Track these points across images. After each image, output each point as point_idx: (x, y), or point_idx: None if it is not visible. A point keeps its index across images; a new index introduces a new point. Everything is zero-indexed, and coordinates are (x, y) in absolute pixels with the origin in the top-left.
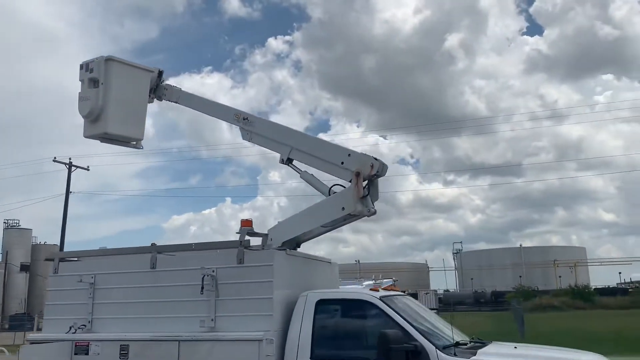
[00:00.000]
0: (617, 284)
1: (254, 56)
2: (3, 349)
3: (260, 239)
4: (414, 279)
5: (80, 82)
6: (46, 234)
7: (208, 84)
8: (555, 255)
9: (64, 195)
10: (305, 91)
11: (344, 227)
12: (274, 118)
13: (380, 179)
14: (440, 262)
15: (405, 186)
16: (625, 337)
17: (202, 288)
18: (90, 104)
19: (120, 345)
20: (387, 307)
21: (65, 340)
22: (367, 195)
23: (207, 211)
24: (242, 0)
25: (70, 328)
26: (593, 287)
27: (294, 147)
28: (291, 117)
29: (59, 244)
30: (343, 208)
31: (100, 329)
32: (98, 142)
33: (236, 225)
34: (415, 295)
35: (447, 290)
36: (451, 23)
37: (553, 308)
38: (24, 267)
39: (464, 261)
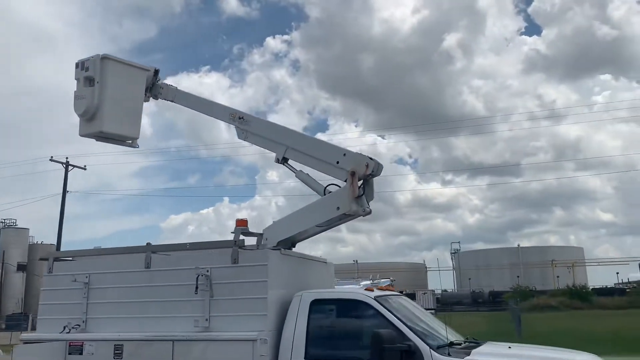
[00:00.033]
0: (614, 284)
1: (252, 56)
2: None
3: (256, 238)
4: (411, 279)
5: (75, 81)
6: (43, 234)
7: (206, 83)
8: (553, 255)
9: (61, 194)
10: (303, 91)
11: (342, 227)
12: (272, 117)
13: (377, 179)
14: (438, 261)
15: (403, 186)
16: (622, 337)
17: (197, 288)
18: (85, 102)
19: (115, 345)
20: (382, 307)
21: (59, 340)
22: (362, 195)
23: (205, 211)
24: (240, 0)
25: (64, 328)
26: (591, 287)
27: (290, 147)
28: (289, 117)
29: (56, 244)
30: (338, 208)
31: (94, 329)
32: (96, 141)
33: (233, 225)
34: (413, 295)
35: (445, 290)
36: (449, 23)
37: (551, 308)
38: (20, 267)
39: (461, 261)
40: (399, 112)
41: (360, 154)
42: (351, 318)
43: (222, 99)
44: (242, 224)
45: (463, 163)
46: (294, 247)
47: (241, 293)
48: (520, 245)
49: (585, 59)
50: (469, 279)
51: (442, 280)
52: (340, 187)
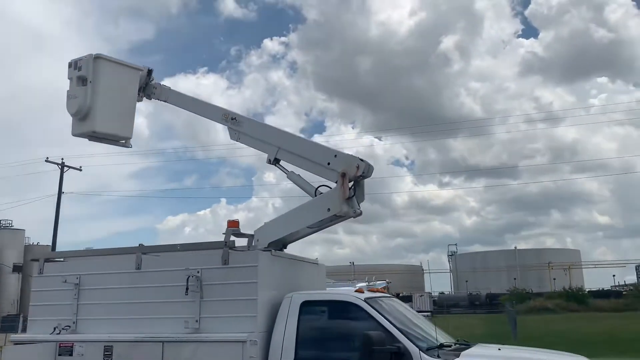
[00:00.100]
0: (611, 286)
1: (249, 57)
2: None
3: (247, 240)
4: (408, 281)
5: (68, 80)
6: (39, 235)
7: (203, 84)
8: (550, 257)
9: (57, 195)
10: (300, 92)
11: (338, 228)
12: (269, 119)
13: (374, 181)
14: (435, 264)
15: (400, 188)
16: (617, 340)
17: (187, 289)
18: (78, 102)
19: (105, 346)
20: (372, 309)
21: (49, 342)
22: (352, 196)
23: (202, 212)
24: (237, 2)
25: (55, 329)
26: (587, 290)
27: (281, 148)
28: (286, 118)
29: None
30: (329, 209)
31: (84, 330)
32: (94, 142)
33: None
34: (409, 298)
35: (442, 293)
36: (447, 25)
37: (547, 310)
38: (16, 268)
39: (458, 263)
40: (396, 113)
41: (351, 155)
42: (341, 320)
43: (219, 101)
44: (233, 225)
45: (460, 165)
46: (285, 248)
47: (231, 294)
48: (517, 248)
49: (582, 62)
50: (466, 281)
51: (440, 283)
52: (331, 188)
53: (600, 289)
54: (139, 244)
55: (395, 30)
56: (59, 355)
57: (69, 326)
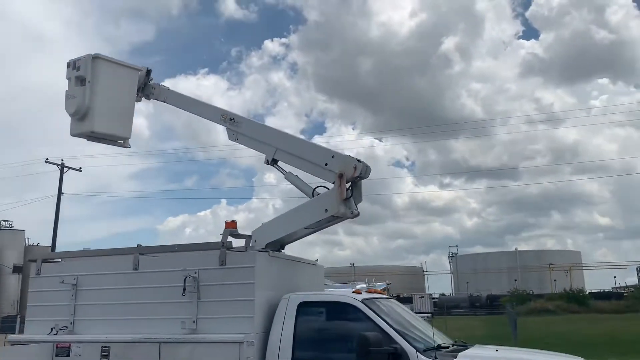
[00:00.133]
0: (612, 288)
1: (250, 58)
2: None
3: (245, 240)
4: (408, 282)
5: (67, 80)
6: (40, 236)
7: (204, 85)
8: (551, 259)
9: (57, 196)
10: (301, 93)
11: (339, 230)
12: (270, 120)
13: (375, 182)
14: (436, 265)
15: (400, 189)
16: (618, 341)
17: (184, 290)
18: (76, 102)
19: (102, 346)
20: (369, 310)
21: (46, 342)
22: (350, 197)
23: (202, 213)
24: (238, 3)
25: (52, 329)
26: (588, 291)
27: (279, 148)
28: (287, 119)
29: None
30: (326, 210)
31: (82, 331)
32: (93, 143)
33: None
34: (410, 299)
35: (443, 294)
36: (447, 26)
37: (548, 312)
38: (16, 269)
39: (459, 265)
40: (396, 114)
41: (349, 156)
42: (338, 320)
43: (220, 102)
44: (231, 226)
45: (461, 166)
46: (283, 249)
47: (229, 295)
48: (518, 249)
49: (583, 63)
50: (467, 282)
51: (440, 284)
52: (329, 189)
53: (601, 290)
54: (137, 245)
55: (396, 31)
56: (56, 355)
57: (66, 327)
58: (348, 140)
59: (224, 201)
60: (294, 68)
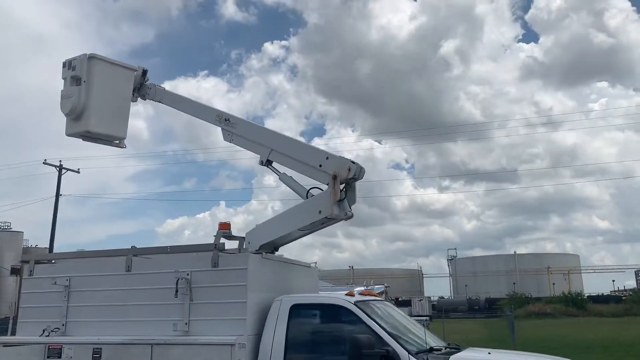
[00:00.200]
0: (610, 291)
1: (250, 61)
2: None
3: (238, 242)
4: (407, 285)
5: (63, 80)
6: (38, 237)
7: (204, 87)
8: (549, 262)
9: (55, 198)
10: (300, 96)
11: (338, 232)
12: (270, 122)
13: (374, 184)
14: (435, 268)
15: (399, 191)
16: (617, 345)
17: (177, 291)
18: (72, 101)
19: (93, 348)
20: (361, 312)
21: (38, 344)
22: (344, 198)
23: (201, 215)
24: (238, 5)
25: (44, 331)
26: (586, 295)
27: (274, 149)
28: (287, 122)
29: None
30: (320, 211)
31: (74, 332)
32: (92, 145)
33: None
34: (408, 302)
35: (442, 297)
36: (447, 29)
37: (546, 315)
38: (14, 271)
39: (458, 268)
40: (396, 117)
41: (343, 157)
42: (331, 323)
43: (220, 104)
44: (224, 228)
45: (460, 169)
46: (277, 250)
47: (221, 297)
48: (517, 252)
49: (582, 67)
50: (466, 285)
51: (439, 287)
52: (323, 190)
53: (600, 294)
54: (132, 247)
55: (395, 35)
56: (48, 357)
57: (58, 328)
58: (347, 142)
59: (222, 203)
60: (293, 70)
